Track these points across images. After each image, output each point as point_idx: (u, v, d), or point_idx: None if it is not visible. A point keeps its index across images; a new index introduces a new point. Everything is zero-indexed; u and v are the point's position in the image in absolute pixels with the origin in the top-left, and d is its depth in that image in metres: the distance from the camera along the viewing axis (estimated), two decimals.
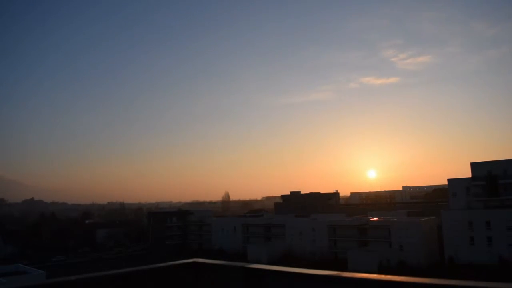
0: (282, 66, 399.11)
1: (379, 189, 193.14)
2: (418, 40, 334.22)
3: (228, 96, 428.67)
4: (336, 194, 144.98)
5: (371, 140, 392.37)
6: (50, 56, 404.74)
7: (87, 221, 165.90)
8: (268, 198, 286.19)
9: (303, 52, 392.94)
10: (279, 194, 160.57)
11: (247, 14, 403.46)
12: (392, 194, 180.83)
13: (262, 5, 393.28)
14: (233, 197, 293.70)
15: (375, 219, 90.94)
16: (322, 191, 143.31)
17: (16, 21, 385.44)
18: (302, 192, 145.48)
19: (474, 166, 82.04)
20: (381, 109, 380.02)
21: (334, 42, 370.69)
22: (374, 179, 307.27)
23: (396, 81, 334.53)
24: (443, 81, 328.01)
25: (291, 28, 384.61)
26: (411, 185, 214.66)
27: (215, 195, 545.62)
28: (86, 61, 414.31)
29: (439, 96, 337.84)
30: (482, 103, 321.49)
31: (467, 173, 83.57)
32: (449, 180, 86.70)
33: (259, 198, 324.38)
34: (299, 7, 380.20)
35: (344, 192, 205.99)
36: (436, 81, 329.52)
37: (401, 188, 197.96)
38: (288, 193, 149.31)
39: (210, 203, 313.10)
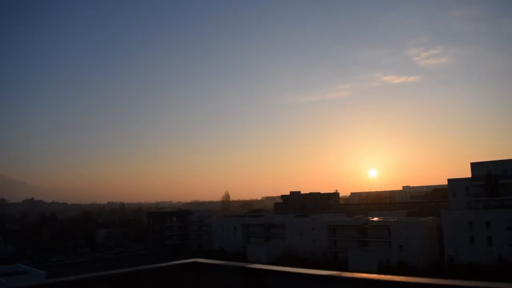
0: (296, 64, 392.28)
1: (379, 189, 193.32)
2: (444, 39, 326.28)
3: (228, 97, 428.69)
4: (336, 194, 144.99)
5: (371, 140, 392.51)
6: (51, 56, 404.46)
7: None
8: (268, 198, 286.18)
9: (324, 50, 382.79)
10: (279, 194, 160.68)
11: (265, 9, 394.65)
12: (392, 194, 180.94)
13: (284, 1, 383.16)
14: (233, 197, 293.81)
15: (375, 219, 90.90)
16: (322, 191, 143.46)
17: (19, 22, 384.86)
18: (302, 192, 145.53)
19: (474, 166, 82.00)
20: (384, 109, 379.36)
21: (362, 40, 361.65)
22: (374, 178, 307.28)
23: (413, 80, 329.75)
24: (453, 82, 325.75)
25: (316, 24, 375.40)
26: (411, 185, 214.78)
27: (215, 195, 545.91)
28: (87, 61, 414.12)
29: (441, 96, 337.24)
30: (483, 103, 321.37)
31: (467, 173, 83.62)
32: (449, 180, 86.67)
33: (259, 198, 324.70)
34: (326, 2, 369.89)
35: (344, 192, 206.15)
36: (447, 82, 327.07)
37: (401, 188, 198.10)
38: (288, 193, 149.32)
39: (210, 203, 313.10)
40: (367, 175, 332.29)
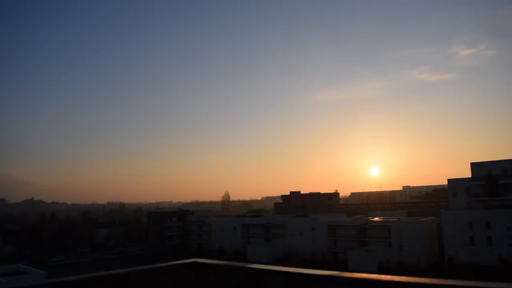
0: (309, 60, 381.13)
1: (379, 189, 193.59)
2: (487, 37, 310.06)
3: (229, 97, 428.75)
4: (336, 194, 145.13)
5: (371, 140, 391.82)
6: (54, 56, 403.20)
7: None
8: (268, 198, 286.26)
9: (362, 46, 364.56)
10: (279, 194, 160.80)
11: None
12: (392, 194, 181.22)
13: None
14: (233, 197, 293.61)
15: (375, 219, 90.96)
16: (322, 191, 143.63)
17: (24, 20, 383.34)
18: (302, 192, 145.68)
19: (474, 166, 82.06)
20: (387, 109, 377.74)
21: (404, 36, 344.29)
22: (375, 178, 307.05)
23: (431, 81, 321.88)
24: (460, 82, 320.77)
25: (354, 19, 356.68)
26: (411, 185, 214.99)
27: (215, 195, 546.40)
28: (88, 62, 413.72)
29: (443, 97, 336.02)
30: (484, 102, 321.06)
31: (467, 173, 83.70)
32: (449, 180, 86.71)
33: (259, 198, 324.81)
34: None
35: (344, 192, 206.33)
36: (455, 82, 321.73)
37: (401, 188, 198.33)
38: (288, 193, 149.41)
39: (210, 203, 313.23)
40: (367, 175, 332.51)
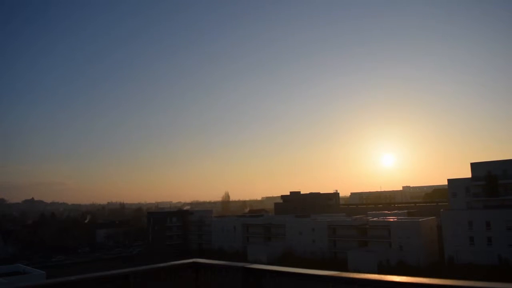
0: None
1: (379, 189, 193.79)
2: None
3: (229, 97, 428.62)
4: (336, 194, 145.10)
5: (371, 140, 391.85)
6: (58, 60, 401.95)
7: (86, 221, 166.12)
8: (268, 198, 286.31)
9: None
10: (279, 194, 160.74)
11: None
12: (392, 194, 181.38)
13: None
14: (233, 197, 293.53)
15: (375, 219, 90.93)
16: (322, 191, 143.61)
17: (33, 24, 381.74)
18: (302, 192, 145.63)
19: (474, 166, 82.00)
20: (386, 108, 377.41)
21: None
22: (376, 177, 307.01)
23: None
24: (459, 80, 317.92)
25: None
26: (411, 185, 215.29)
27: (215, 195, 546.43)
28: (88, 62, 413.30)
29: (443, 96, 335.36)
30: (483, 102, 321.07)
31: (467, 173, 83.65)
32: (449, 180, 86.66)
33: (259, 198, 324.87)
34: None
35: (344, 192, 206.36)
36: (454, 80, 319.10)
37: (401, 188, 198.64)
38: (288, 193, 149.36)
39: (210, 203, 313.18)
40: (367, 175, 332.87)
